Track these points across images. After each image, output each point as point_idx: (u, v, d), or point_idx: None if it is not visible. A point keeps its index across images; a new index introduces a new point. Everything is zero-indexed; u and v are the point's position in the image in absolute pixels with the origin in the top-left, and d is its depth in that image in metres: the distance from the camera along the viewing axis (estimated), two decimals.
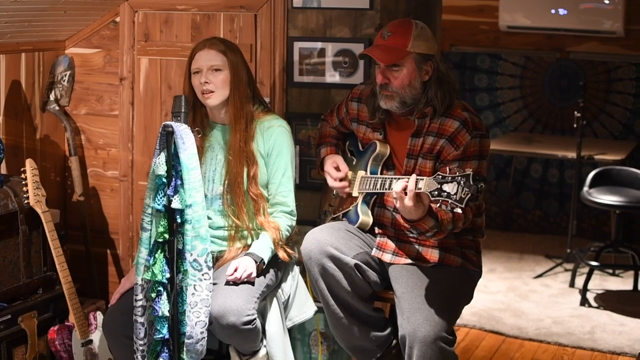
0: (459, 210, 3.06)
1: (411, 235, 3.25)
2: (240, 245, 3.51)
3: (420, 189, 2.89)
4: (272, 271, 3.48)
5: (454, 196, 2.79)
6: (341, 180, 3.42)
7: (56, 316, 3.90)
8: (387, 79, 3.21)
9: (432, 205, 3.01)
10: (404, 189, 2.93)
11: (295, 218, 3.57)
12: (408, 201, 2.91)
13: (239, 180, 3.46)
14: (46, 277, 3.88)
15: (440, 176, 2.84)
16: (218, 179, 3.50)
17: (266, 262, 3.41)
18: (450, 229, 3.10)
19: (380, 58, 3.19)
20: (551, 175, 7.14)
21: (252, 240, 3.49)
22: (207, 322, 3.20)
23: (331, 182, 3.45)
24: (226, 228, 3.51)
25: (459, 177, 2.79)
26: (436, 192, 2.83)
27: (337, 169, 3.45)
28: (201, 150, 3.45)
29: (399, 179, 3.03)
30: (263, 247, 3.42)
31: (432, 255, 3.28)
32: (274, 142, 3.49)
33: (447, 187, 2.81)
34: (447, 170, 2.87)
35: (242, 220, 3.47)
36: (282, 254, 3.49)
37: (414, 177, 2.91)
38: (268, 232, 3.45)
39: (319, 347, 4.00)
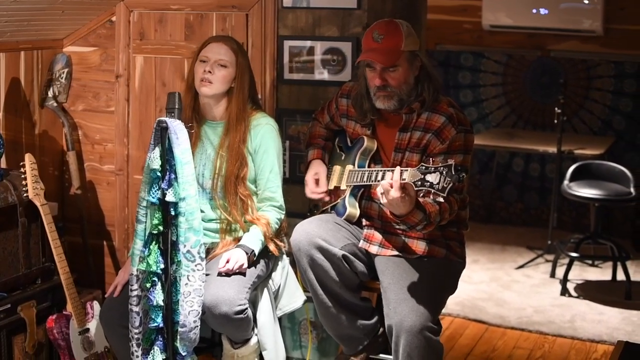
0: (441, 200, 3.08)
1: (398, 227, 3.28)
2: (231, 237, 3.54)
3: (404, 179, 2.91)
4: (262, 262, 3.52)
5: (437, 185, 2.82)
6: (318, 193, 3.47)
7: (54, 305, 3.91)
8: (385, 81, 3.24)
9: (419, 199, 3.04)
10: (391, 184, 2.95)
11: (283, 212, 3.60)
12: (394, 192, 2.92)
13: (232, 179, 3.50)
14: (45, 267, 3.89)
15: (423, 167, 2.87)
16: (208, 174, 3.54)
17: (257, 253, 3.45)
18: (438, 221, 3.13)
19: (382, 61, 3.21)
20: (532, 170, 7.18)
21: (243, 232, 3.53)
22: (200, 312, 3.23)
23: (307, 192, 3.50)
24: (218, 221, 3.55)
25: (442, 167, 2.82)
26: (419, 182, 2.86)
27: (317, 182, 3.49)
28: (192, 144, 3.48)
29: (385, 171, 3.07)
30: (254, 239, 3.46)
31: (418, 246, 3.31)
32: (261, 139, 3.53)
33: (430, 177, 2.84)
34: (431, 161, 2.91)
35: (233, 216, 3.51)
36: (272, 247, 3.53)
37: (398, 169, 2.94)
38: (258, 226, 3.50)
39: (309, 335, 4.04)
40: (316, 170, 3.52)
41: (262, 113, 3.63)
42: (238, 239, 3.52)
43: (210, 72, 3.46)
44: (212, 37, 3.58)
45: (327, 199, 3.50)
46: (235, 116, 3.51)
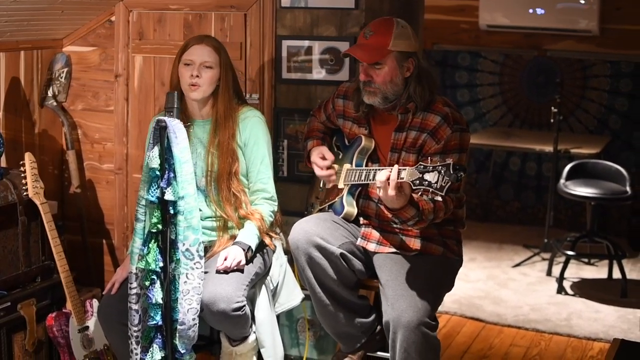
0: (439, 199, 3.10)
1: (395, 225, 3.29)
2: (229, 235, 3.55)
3: (402, 178, 2.92)
4: (260, 260, 3.53)
5: (435, 184, 2.83)
6: (328, 168, 3.46)
7: (54, 303, 3.92)
8: (370, 77, 3.25)
9: (414, 195, 3.06)
10: (388, 179, 2.97)
11: (276, 203, 3.61)
12: (391, 190, 2.94)
13: (225, 176, 3.51)
14: (44, 266, 3.90)
15: (422, 166, 2.88)
16: (200, 172, 3.54)
17: (254, 249, 3.46)
18: (432, 219, 3.14)
19: (362, 57, 3.24)
20: (529, 168, 7.20)
21: (237, 229, 3.54)
22: (199, 309, 3.24)
23: (318, 171, 3.49)
24: (214, 218, 3.56)
25: (440, 167, 2.83)
26: (418, 181, 2.87)
27: (323, 158, 3.49)
28: None
29: (382, 170, 3.07)
30: (249, 235, 3.47)
31: (415, 244, 3.32)
32: (250, 132, 3.55)
33: (428, 176, 2.84)
34: (429, 160, 2.91)
35: (228, 213, 3.52)
36: (268, 241, 3.55)
37: (396, 167, 2.95)
38: (253, 222, 3.51)
39: (306, 333, 4.05)
40: (319, 150, 3.54)
41: (247, 107, 3.64)
42: (235, 237, 3.53)
43: (198, 76, 3.47)
44: (192, 38, 3.58)
45: (334, 177, 3.49)
46: (222, 114, 3.53)
